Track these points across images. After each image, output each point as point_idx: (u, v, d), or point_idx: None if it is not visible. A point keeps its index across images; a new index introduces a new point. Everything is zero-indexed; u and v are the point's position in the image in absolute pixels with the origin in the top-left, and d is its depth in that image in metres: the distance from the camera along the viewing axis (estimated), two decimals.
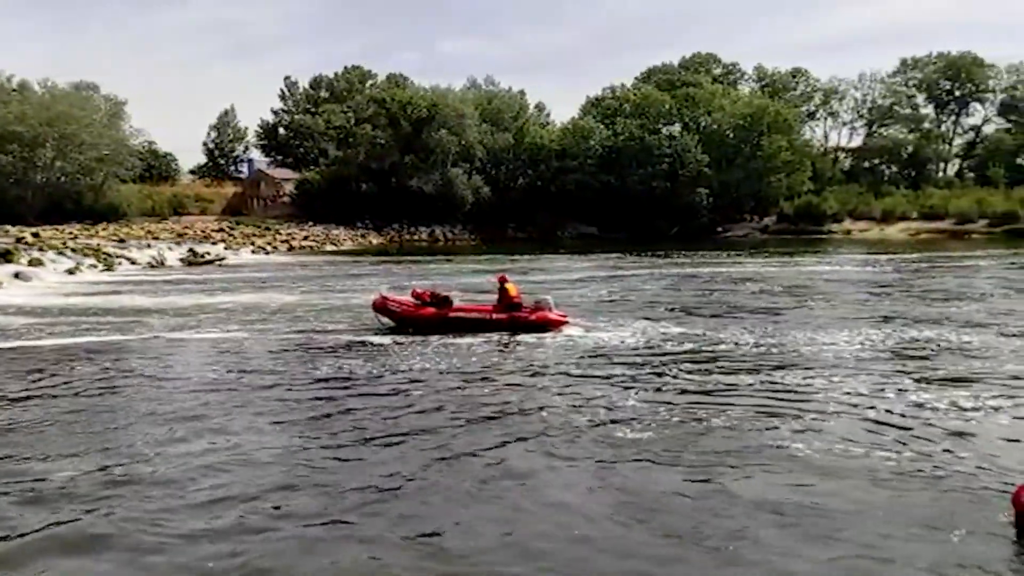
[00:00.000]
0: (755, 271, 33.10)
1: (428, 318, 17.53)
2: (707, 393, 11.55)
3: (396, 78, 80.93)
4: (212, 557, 6.47)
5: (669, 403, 10.93)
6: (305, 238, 57.64)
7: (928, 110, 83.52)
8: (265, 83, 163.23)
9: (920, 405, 10.65)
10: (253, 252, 48.55)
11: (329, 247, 56.47)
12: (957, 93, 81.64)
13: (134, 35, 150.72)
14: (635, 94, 74.08)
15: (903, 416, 10.14)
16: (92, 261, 34.77)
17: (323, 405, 11.18)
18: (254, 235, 54.71)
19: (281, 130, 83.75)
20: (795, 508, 7.31)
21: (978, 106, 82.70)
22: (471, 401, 11.29)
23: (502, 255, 44.49)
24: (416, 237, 65.13)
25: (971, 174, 77.95)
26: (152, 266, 37.96)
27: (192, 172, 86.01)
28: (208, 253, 42.88)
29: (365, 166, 67.92)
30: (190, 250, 42.74)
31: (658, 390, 11.77)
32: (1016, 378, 12.21)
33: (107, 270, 34.47)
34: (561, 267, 36.54)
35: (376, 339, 16.69)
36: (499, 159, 71.84)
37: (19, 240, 36.03)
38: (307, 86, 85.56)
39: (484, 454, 8.93)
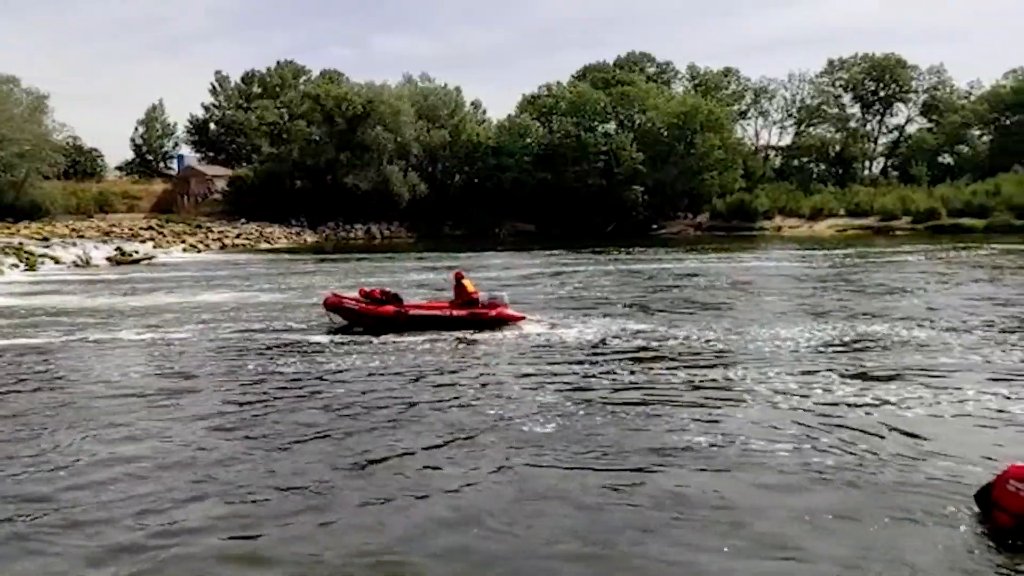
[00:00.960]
0: (699, 267, 33.68)
1: (387, 316, 17.29)
2: (651, 389, 11.69)
3: (330, 74, 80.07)
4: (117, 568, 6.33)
5: (610, 400, 11.04)
6: (238, 236, 56.64)
7: (854, 110, 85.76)
8: (195, 77, 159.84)
9: (855, 397, 10.95)
10: (184, 251, 47.57)
11: (263, 245, 55.61)
12: (881, 93, 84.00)
13: (57, 29, 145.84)
14: (570, 92, 74.46)
15: (834, 406, 10.42)
16: (14, 260, 33.65)
17: (251, 408, 10.97)
18: (185, 233, 53.56)
19: (212, 125, 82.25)
20: (708, 503, 7.45)
21: (901, 106, 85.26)
22: (405, 400, 11.21)
23: (441, 253, 44.41)
24: (352, 235, 64.50)
25: (895, 172, 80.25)
26: (77, 265, 36.92)
27: (119, 169, 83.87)
28: (136, 252, 41.87)
29: (299, 163, 67.00)
30: (117, 249, 41.66)
31: (603, 387, 11.87)
32: (952, 370, 12.62)
33: (29, 270, 33.40)
34: (504, 264, 36.63)
35: (315, 338, 16.50)
36: (436, 156, 71.57)
37: None
38: (239, 81, 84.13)
39: (407, 454, 8.89)
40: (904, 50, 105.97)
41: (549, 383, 12.15)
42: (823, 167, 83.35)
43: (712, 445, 9.00)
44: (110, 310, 21.33)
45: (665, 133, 70.35)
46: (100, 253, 40.04)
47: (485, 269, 32.94)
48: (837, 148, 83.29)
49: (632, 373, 12.79)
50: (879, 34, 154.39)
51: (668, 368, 13.11)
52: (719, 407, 10.62)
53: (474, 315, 17.31)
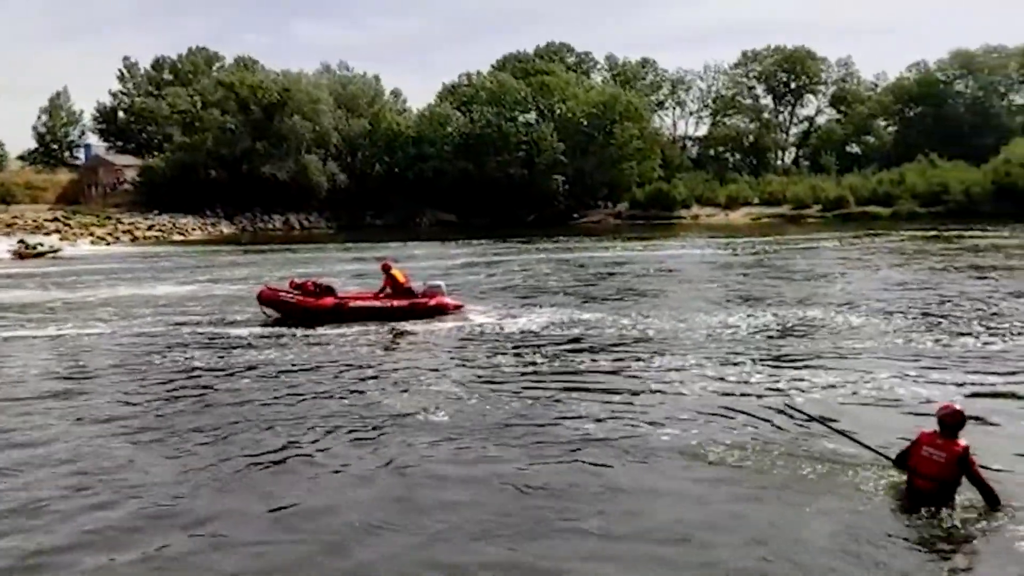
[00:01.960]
0: (628, 255, 34.18)
1: (327, 309, 16.91)
2: (578, 377, 11.79)
3: (245, 61, 78.13)
4: None
5: (533, 387, 11.09)
6: (150, 228, 54.87)
7: (767, 101, 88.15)
8: (103, 64, 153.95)
9: (774, 380, 11.25)
10: (93, 243, 45.91)
11: (176, 237, 54.05)
12: (793, 85, 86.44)
13: None
14: (490, 82, 74.43)
15: (754, 389, 10.67)
16: None
17: (157, 407, 10.55)
18: (93, 225, 51.62)
19: (121, 114, 79.38)
20: (614, 488, 7.52)
21: (811, 98, 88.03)
22: (320, 394, 11.03)
23: (364, 243, 43.90)
24: (270, 226, 63.12)
25: (806, 162, 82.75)
26: None
27: (21, 159, 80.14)
28: (42, 244, 40.11)
29: (214, 152, 65.18)
30: (21, 241, 39.92)
31: (529, 375, 11.94)
32: (867, 353, 13.07)
33: None
34: (431, 254, 36.41)
35: (236, 331, 16.11)
36: (355, 146, 70.65)
37: None
38: (148, 68, 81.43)
39: (300, 452, 8.71)
40: (814, 43, 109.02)
41: (473, 372, 12.13)
42: (738, 157, 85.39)
43: (625, 435, 9.02)
44: (12, 305, 20.40)
45: (585, 123, 70.92)
46: (1, 246, 38.31)
47: (414, 259, 32.64)
48: (751, 138, 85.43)
49: (562, 361, 12.86)
50: (791, 27, 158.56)
51: (597, 356, 13.24)
52: (640, 394, 10.74)
53: (414, 305, 17.20)
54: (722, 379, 11.42)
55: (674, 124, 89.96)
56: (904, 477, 7.33)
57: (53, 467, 8.27)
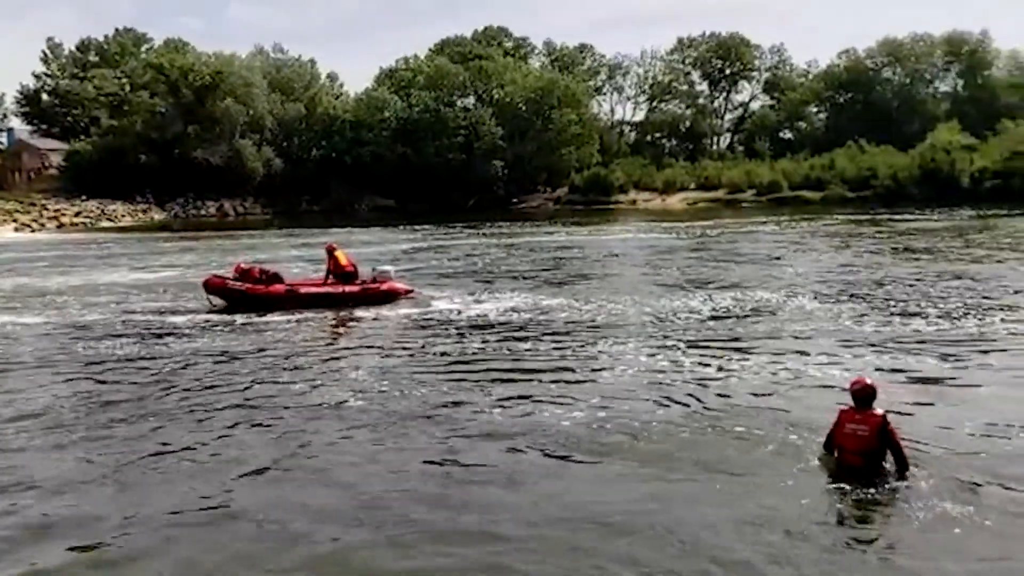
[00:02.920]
0: (571, 240, 34.46)
1: (277, 296, 16.57)
2: (513, 363, 11.85)
3: (175, 43, 76.02)
4: None
5: (469, 374, 11.10)
6: (77, 214, 53.25)
7: (703, 87, 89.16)
8: (25, 45, 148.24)
9: (710, 365, 11.43)
10: (16, 230, 44.45)
11: (105, 223, 52.56)
12: (727, 71, 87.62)
13: None
14: (428, 66, 73.79)
15: (690, 372, 10.84)
16: None
17: (85, 400, 10.32)
18: (17, 211, 49.85)
19: (45, 96, 76.75)
20: (512, 478, 7.47)
21: (745, 84, 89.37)
22: (249, 383, 10.97)
23: (302, 229, 43.32)
24: (204, 212, 61.67)
25: (741, 147, 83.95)
26: None
27: None
28: None
29: (143, 136, 63.40)
30: None
31: (465, 362, 11.93)
32: (803, 335, 13.38)
33: None
34: (374, 239, 36.04)
35: (172, 319, 15.81)
36: (291, 130, 69.42)
37: None
38: (74, 49, 78.82)
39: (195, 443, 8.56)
40: (747, 30, 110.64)
41: (408, 359, 12.17)
42: (674, 142, 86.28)
43: (550, 421, 8.99)
44: None
45: (523, 108, 70.83)
46: None
47: (359, 245, 32.26)
48: (687, 124, 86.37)
49: (506, 347, 12.95)
50: (725, 14, 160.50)
51: (542, 342, 13.29)
52: (574, 381, 10.79)
53: (366, 291, 17.03)
54: (656, 364, 11.53)
55: (612, 110, 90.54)
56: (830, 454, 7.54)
57: None
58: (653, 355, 12.00)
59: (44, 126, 75.50)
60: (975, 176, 57.98)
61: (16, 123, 78.12)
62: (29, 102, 77.04)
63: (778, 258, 25.46)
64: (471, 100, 72.65)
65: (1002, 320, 14.22)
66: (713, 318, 15.08)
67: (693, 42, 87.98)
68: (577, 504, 6.85)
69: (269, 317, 15.65)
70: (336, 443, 8.47)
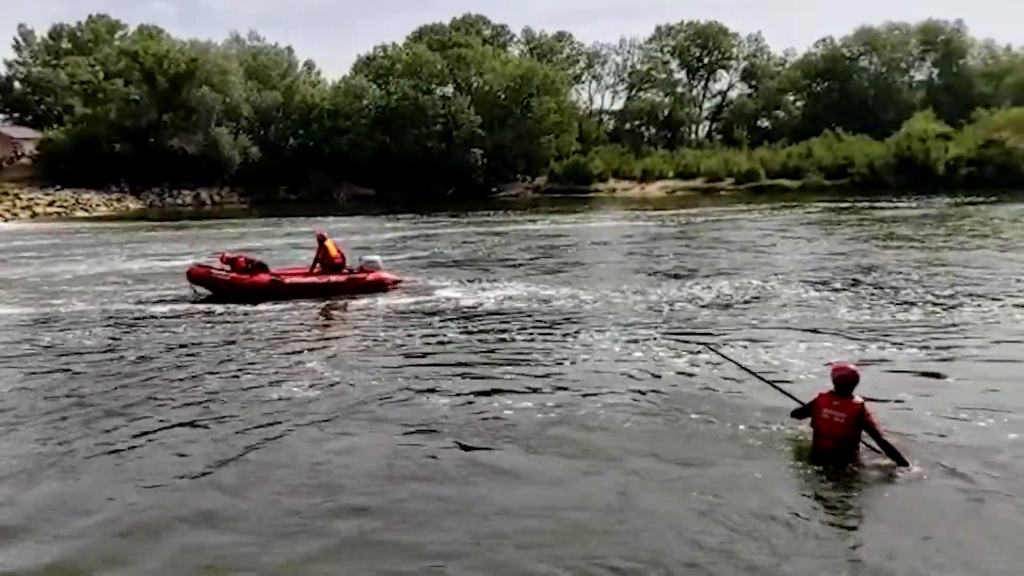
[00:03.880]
0: (555, 229, 34.43)
1: (263, 286, 16.35)
2: (491, 354, 11.77)
3: (149, 30, 75.10)
4: None
5: (445, 366, 11.07)
6: (51, 203, 52.45)
7: (681, 75, 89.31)
8: None
9: (686, 354, 11.44)
10: None
11: (80, 213, 51.83)
12: (706, 60, 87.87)
13: None
14: (407, 54, 73.37)
15: (668, 363, 10.87)
16: None
17: (57, 391, 10.15)
18: None
19: (17, 84, 75.56)
20: (476, 473, 7.36)
21: (724, 72, 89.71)
22: (231, 372, 10.82)
23: (281, 218, 42.94)
24: (180, 201, 60.92)
25: (719, 136, 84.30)
26: None
27: None
28: None
29: (118, 124, 62.54)
30: None
31: (444, 352, 11.90)
32: (795, 323, 13.41)
33: None
34: (355, 229, 35.66)
35: (153, 309, 15.62)
36: (268, 118, 68.77)
37: None
38: (46, 36, 77.61)
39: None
40: (725, 18, 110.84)
41: (387, 350, 12.09)
42: (653, 131, 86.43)
43: (519, 413, 8.87)
44: None
45: (502, 96, 70.68)
46: None
47: (343, 234, 32.00)
48: (666, 112, 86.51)
49: (490, 337, 12.89)
50: (703, 3, 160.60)
51: (528, 332, 13.21)
52: (551, 374, 10.63)
53: (353, 280, 16.88)
54: (633, 354, 11.48)
55: (591, 98, 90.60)
56: (797, 432, 7.65)
57: None
58: (633, 344, 12.00)
59: (16, 114, 74.37)
60: (950, 164, 58.74)
61: None
62: (1, 90, 75.85)
63: (761, 246, 25.58)
64: (450, 88, 72.32)
65: (984, 307, 14.38)
66: (698, 306, 15.13)
67: (672, 30, 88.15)
68: (540, 500, 6.75)
69: (251, 307, 15.52)
70: (282, 437, 8.30)
